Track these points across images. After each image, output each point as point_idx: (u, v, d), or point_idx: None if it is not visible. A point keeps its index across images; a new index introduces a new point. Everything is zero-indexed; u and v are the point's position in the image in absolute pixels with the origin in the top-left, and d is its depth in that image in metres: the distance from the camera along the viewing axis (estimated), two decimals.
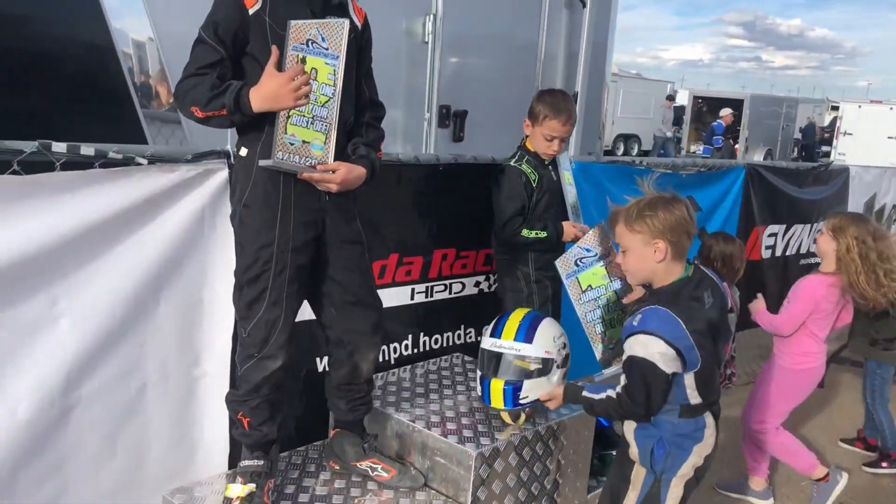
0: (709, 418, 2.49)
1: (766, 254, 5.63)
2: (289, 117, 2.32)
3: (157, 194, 2.51)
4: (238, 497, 2.43)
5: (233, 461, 2.76)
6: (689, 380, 2.39)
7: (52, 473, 2.41)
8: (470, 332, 3.71)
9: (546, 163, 3.50)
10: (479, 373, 2.92)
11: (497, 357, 2.87)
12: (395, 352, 3.42)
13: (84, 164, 2.36)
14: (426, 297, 3.50)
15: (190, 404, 2.73)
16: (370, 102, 2.65)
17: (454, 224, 3.53)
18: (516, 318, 2.96)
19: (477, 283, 3.71)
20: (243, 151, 2.40)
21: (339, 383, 2.67)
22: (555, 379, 2.91)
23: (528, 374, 2.85)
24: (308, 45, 2.32)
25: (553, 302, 3.59)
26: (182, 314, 2.65)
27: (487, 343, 2.91)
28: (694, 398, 2.41)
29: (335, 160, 2.41)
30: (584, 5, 5.59)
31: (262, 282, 2.38)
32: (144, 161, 2.45)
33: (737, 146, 21.95)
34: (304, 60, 2.31)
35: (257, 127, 2.35)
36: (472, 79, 5.11)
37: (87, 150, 2.35)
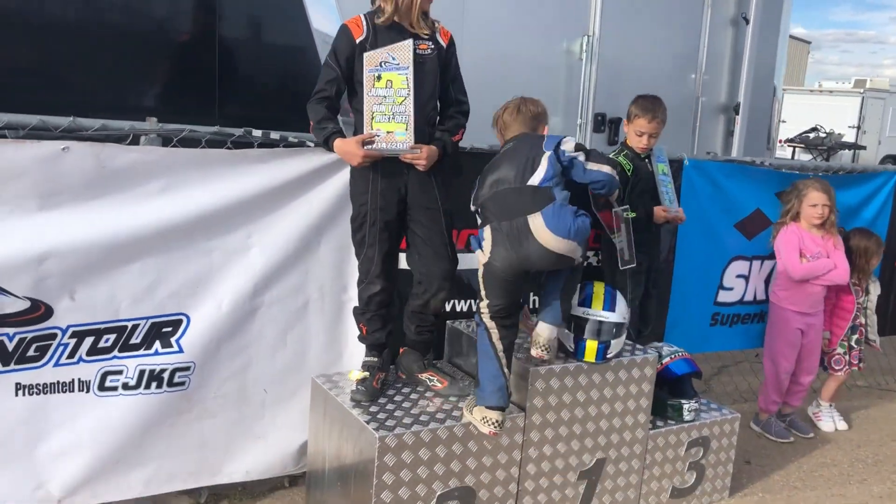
0: None
1: None
2: (372, 117, 3.27)
3: (321, 167, 3.61)
4: (356, 379, 3.46)
5: None
6: None
7: (242, 350, 3.59)
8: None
9: (642, 156, 4.18)
10: (571, 333, 3.62)
11: (592, 323, 3.60)
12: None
13: (272, 144, 3.53)
14: None
15: (339, 319, 3.80)
16: (455, 101, 3.55)
17: None
18: (599, 290, 3.72)
19: (586, 258, 4.45)
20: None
21: (413, 311, 3.60)
22: (624, 337, 3.68)
23: (614, 335, 3.62)
24: (381, 66, 3.25)
25: (646, 274, 4.25)
26: (336, 253, 3.73)
27: (580, 311, 3.65)
28: None
29: (418, 143, 3.33)
30: (748, 22, 6.04)
31: (363, 230, 3.41)
32: (311, 144, 3.58)
33: None
34: (379, 77, 3.26)
35: (358, 110, 3.36)
36: (627, 91, 5.77)
37: (275, 135, 3.53)
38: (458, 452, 3.28)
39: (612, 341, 3.59)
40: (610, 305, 3.63)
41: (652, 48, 5.86)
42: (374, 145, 3.30)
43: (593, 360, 3.56)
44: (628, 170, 4.13)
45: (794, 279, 4.73)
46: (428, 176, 3.43)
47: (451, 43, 3.51)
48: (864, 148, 22.89)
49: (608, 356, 3.59)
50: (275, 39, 4.74)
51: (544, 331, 3.43)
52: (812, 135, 23.38)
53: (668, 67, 5.97)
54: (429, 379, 3.60)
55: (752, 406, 5.19)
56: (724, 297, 4.94)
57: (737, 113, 6.16)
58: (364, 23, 3.31)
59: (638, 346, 3.86)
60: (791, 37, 44.02)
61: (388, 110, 3.30)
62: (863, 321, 5.10)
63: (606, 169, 3.43)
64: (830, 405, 5.22)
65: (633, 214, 4.07)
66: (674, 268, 4.67)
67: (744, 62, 6.09)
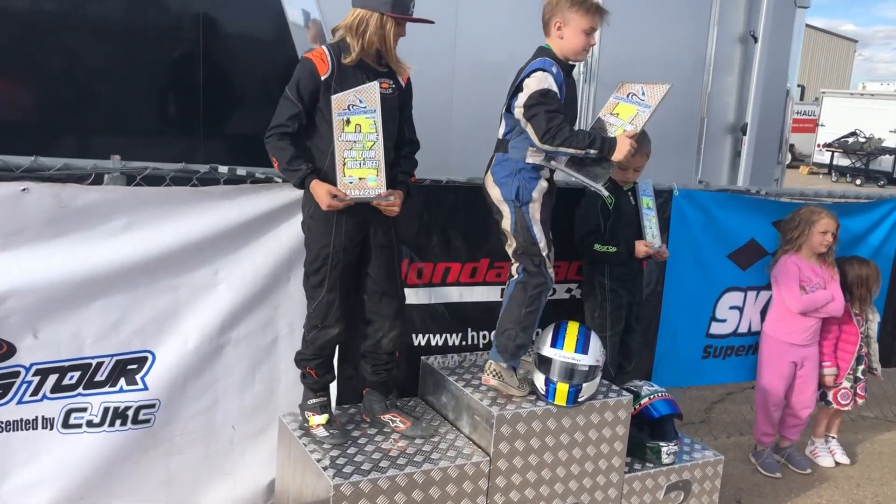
0: None
1: None
2: (344, 164, 3.20)
3: (289, 203, 3.59)
4: (320, 424, 3.42)
5: (341, 398, 3.76)
6: None
7: (210, 387, 3.58)
8: None
9: (625, 188, 4.08)
10: (541, 375, 3.55)
11: (562, 365, 3.52)
12: (483, 338, 4.20)
13: (239, 180, 3.51)
14: None
15: None
16: (409, 141, 3.51)
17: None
18: (572, 331, 3.64)
19: (569, 290, 4.37)
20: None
21: (366, 351, 3.54)
22: (598, 380, 3.60)
23: (587, 379, 3.53)
24: (349, 109, 3.17)
25: (627, 309, 4.15)
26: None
27: (551, 352, 3.57)
28: None
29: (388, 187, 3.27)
30: (756, 40, 5.88)
31: (322, 273, 3.32)
32: (279, 180, 3.54)
33: None
34: (348, 121, 3.18)
35: (321, 151, 3.27)
36: None
37: (241, 171, 3.51)
38: (419, 500, 3.23)
39: (584, 384, 3.51)
40: (583, 347, 3.55)
41: (654, 68, 5.69)
42: (348, 193, 3.21)
43: (564, 404, 3.48)
44: (609, 203, 4.03)
45: (792, 311, 4.60)
46: (387, 217, 3.38)
47: (410, 83, 3.46)
48: None
49: (580, 400, 3.51)
50: (259, 61, 4.69)
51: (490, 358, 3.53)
52: (851, 139, 22.90)
53: (671, 87, 5.80)
54: (391, 420, 3.56)
55: (752, 438, 5.05)
56: (716, 328, 4.81)
57: (744, 133, 5.98)
58: (329, 58, 3.22)
59: (613, 386, 3.77)
60: (836, 35, 43.15)
61: (359, 156, 3.22)
62: (866, 350, 4.95)
63: (536, 141, 3.34)
64: (828, 439, 5.07)
65: (614, 249, 3.97)
66: (662, 299, 4.55)
67: (752, 81, 5.90)
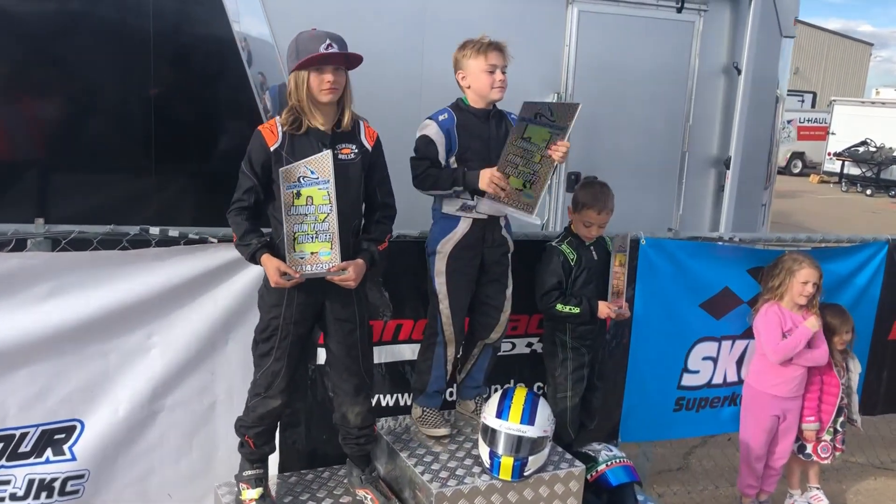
0: None
1: None
2: (294, 239, 3.02)
3: (226, 263, 3.45)
4: (252, 499, 3.26)
5: (284, 466, 3.62)
6: None
7: (143, 455, 3.44)
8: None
9: (588, 244, 3.90)
10: (486, 447, 3.39)
11: (507, 437, 3.36)
12: (450, 395, 4.05)
13: (172, 241, 3.37)
14: None
15: None
16: (382, 205, 3.32)
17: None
18: (519, 400, 3.47)
19: (529, 344, 4.19)
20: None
21: (335, 422, 3.40)
22: (547, 451, 3.43)
23: (532, 451, 3.37)
24: (300, 181, 3.00)
25: (590, 367, 3.97)
26: (245, 352, 3.51)
27: (495, 423, 3.41)
28: None
29: (347, 258, 3.10)
30: (739, 72, 5.69)
31: (271, 342, 3.17)
32: (215, 240, 3.40)
33: None
34: (298, 194, 3.00)
35: (277, 223, 3.13)
36: (604, 148, 5.51)
37: (174, 232, 3.36)
38: None
39: (531, 457, 3.34)
40: (529, 417, 3.37)
41: (632, 102, 5.56)
42: (298, 269, 3.04)
43: (509, 479, 3.31)
44: (571, 259, 3.85)
45: (775, 362, 4.40)
46: (349, 289, 3.19)
47: (378, 143, 3.26)
48: None
49: (526, 473, 3.33)
50: (213, 91, 4.58)
51: None
52: (861, 149, 22.56)
53: (650, 121, 5.65)
54: (364, 496, 3.40)
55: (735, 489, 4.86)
56: (689, 380, 4.61)
57: (728, 167, 5.79)
58: (279, 128, 3.07)
59: (566, 455, 3.59)
60: (851, 38, 42.66)
61: (311, 229, 3.04)
62: (846, 401, 4.74)
63: None
64: (810, 489, 4.87)
65: (577, 310, 3.79)
66: (629, 351, 4.37)
67: (735, 114, 5.71)
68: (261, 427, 3.27)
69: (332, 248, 3.07)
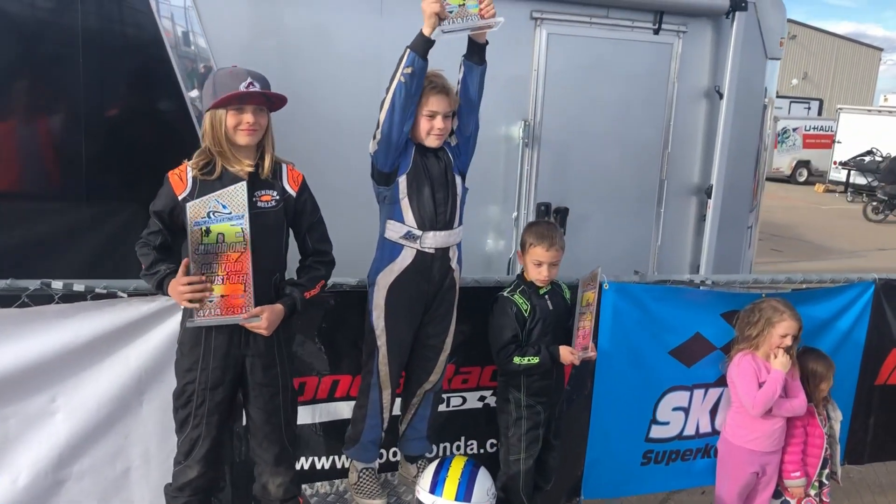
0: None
1: None
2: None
3: (139, 319, 3.17)
4: None
5: None
6: None
7: None
8: (471, 444, 3.91)
9: (542, 291, 3.60)
10: None
11: None
12: (394, 455, 3.76)
13: (77, 296, 3.09)
14: None
15: None
16: (314, 251, 3.05)
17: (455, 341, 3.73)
18: (455, 472, 3.18)
19: (482, 398, 3.90)
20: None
21: (255, 493, 3.14)
22: None
23: None
24: (210, 217, 2.73)
25: (545, 426, 3.67)
26: (163, 413, 3.26)
27: (428, 500, 3.13)
28: None
29: (262, 304, 2.84)
30: (721, 96, 5.38)
31: (188, 409, 2.91)
32: (125, 295, 3.12)
33: None
34: (207, 231, 2.74)
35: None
36: (577, 177, 5.20)
37: (79, 286, 3.08)
38: None
39: None
40: (465, 493, 3.08)
41: (606, 128, 5.24)
42: (205, 313, 2.79)
43: None
44: (525, 310, 3.55)
45: (756, 415, 4.07)
46: (271, 348, 2.95)
47: (304, 187, 3.01)
48: None
49: None
50: (145, 107, 4.30)
51: None
52: (867, 158, 22.15)
53: (625, 148, 5.33)
54: None
55: None
56: (658, 432, 4.30)
57: (709, 196, 5.47)
58: (189, 174, 2.84)
59: None
60: (860, 43, 42.33)
61: (222, 270, 2.79)
62: (830, 452, 4.42)
63: None
64: None
65: (536, 360, 3.48)
66: (592, 402, 4.06)
67: (717, 141, 5.38)
68: (182, 498, 3.00)
69: (244, 292, 2.80)
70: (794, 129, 25.60)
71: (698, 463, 4.45)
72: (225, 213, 2.76)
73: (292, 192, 2.95)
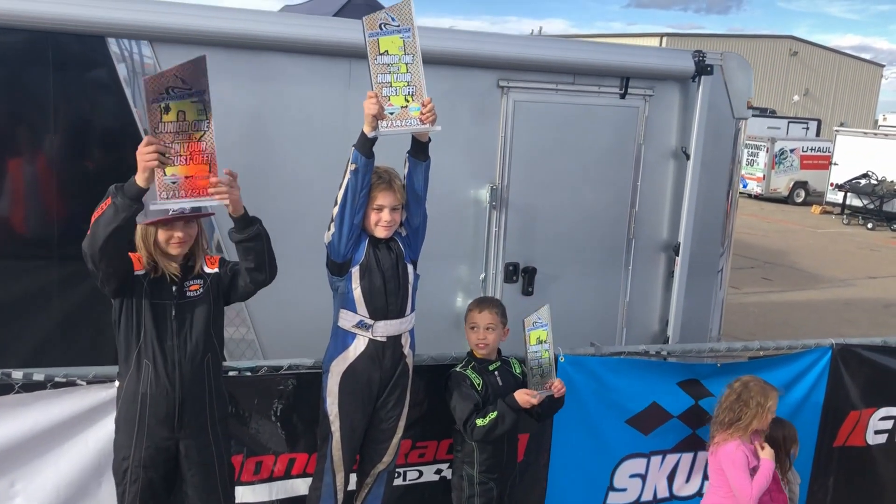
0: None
1: (877, 439, 5.01)
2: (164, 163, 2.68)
3: (98, 404, 3.28)
4: None
5: None
6: None
7: None
8: None
9: (491, 367, 3.70)
10: None
11: None
12: None
13: (37, 385, 3.20)
14: None
15: None
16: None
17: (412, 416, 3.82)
18: None
19: (438, 471, 3.99)
20: (116, 383, 3.09)
21: None
22: None
23: None
24: (168, 93, 2.67)
25: (499, 500, 3.76)
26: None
27: None
28: None
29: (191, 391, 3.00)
30: (688, 157, 5.49)
31: (122, 486, 3.06)
32: (84, 383, 3.23)
33: None
34: (167, 108, 2.69)
35: (125, 357, 3.01)
36: (544, 237, 5.31)
37: (39, 375, 3.20)
38: None
39: None
40: None
41: (572, 191, 5.35)
42: (169, 196, 2.74)
43: None
44: (477, 384, 3.65)
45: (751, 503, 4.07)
46: (204, 428, 3.08)
47: (222, 261, 3.19)
48: None
49: None
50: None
51: None
52: (863, 181, 22.21)
53: (593, 209, 5.44)
54: None
55: None
56: (615, 498, 4.39)
57: (677, 253, 5.57)
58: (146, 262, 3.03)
59: None
60: (861, 59, 42.46)
61: (184, 150, 2.73)
62: None
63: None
64: None
65: (495, 413, 3.52)
66: (548, 472, 4.16)
67: (685, 200, 5.49)
68: None
69: (210, 172, 2.79)
70: (792, 150, 25.66)
71: None
72: (185, 88, 2.69)
73: (215, 271, 3.13)
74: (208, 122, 2.74)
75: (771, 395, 4.08)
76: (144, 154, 2.68)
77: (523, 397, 3.57)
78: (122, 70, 4.22)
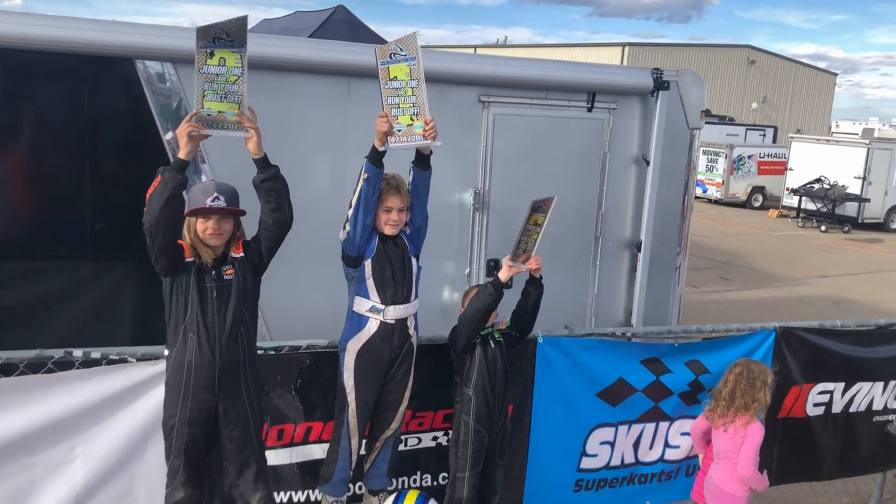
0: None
1: (815, 411, 5.66)
2: (203, 95, 3.27)
3: (144, 380, 3.80)
4: None
5: None
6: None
7: None
8: (426, 478, 4.58)
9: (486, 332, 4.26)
10: None
11: None
12: (359, 489, 4.40)
13: (94, 361, 3.72)
14: None
15: None
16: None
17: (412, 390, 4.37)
18: (409, 503, 3.87)
19: (434, 438, 4.56)
20: (165, 352, 3.62)
21: None
22: None
23: None
24: (214, 42, 3.25)
25: (489, 448, 4.29)
26: (163, 457, 3.87)
27: None
28: None
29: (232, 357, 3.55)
30: (648, 164, 6.12)
31: (169, 440, 3.58)
32: (134, 360, 3.76)
33: None
34: (212, 54, 3.27)
35: (174, 330, 3.53)
36: None
37: (96, 353, 3.71)
38: None
39: None
40: None
41: (546, 194, 5.92)
42: (206, 125, 3.33)
43: None
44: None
45: (751, 478, 4.52)
46: (240, 392, 3.59)
47: (246, 243, 3.68)
48: (868, 200, 22.62)
49: None
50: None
51: None
52: (816, 186, 23.19)
53: (564, 211, 5.99)
54: None
55: None
56: (587, 463, 5.00)
57: (639, 250, 6.21)
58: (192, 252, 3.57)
59: None
60: (815, 68, 43.57)
61: (221, 89, 3.30)
62: None
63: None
64: None
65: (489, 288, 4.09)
66: (530, 438, 4.74)
67: (645, 203, 6.13)
68: None
69: (239, 110, 3.36)
70: (750, 157, 26.67)
71: (624, 490, 5.14)
72: (228, 40, 3.26)
73: (241, 255, 3.65)
74: (243, 70, 3.30)
75: (769, 372, 4.64)
76: (184, 129, 3.30)
77: (505, 267, 4.17)
78: (147, 88, 4.74)
